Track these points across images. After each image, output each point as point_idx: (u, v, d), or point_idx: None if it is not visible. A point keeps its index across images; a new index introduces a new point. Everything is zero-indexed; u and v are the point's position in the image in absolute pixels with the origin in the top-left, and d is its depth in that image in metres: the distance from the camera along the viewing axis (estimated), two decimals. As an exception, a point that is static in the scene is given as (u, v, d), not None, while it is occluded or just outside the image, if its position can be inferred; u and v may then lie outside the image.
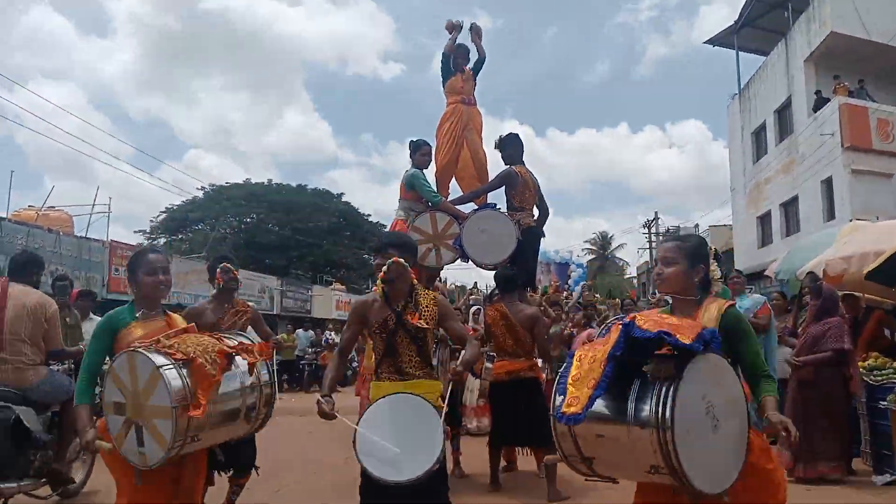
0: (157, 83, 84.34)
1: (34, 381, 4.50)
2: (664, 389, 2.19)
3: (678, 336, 2.23)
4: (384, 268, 3.25)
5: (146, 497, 3.02)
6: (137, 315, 3.27)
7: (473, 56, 7.37)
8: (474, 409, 8.59)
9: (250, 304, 4.98)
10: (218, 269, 4.68)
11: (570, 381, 2.35)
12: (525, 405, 5.45)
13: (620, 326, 2.33)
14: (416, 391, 3.15)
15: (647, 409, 2.20)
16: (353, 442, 2.99)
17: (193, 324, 3.44)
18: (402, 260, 3.27)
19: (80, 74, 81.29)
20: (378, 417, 3.07)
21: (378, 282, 3.34)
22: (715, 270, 2.79)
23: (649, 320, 2.37)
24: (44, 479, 4.64)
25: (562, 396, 2.34)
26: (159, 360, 2.84)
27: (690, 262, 2.71)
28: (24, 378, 4.45)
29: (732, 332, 2.60)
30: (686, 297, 2.72)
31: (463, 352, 3.43)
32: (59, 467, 4.75)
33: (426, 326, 3.29)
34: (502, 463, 6.45)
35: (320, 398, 3.16)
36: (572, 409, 2.26)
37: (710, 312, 2.64)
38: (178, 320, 3.41)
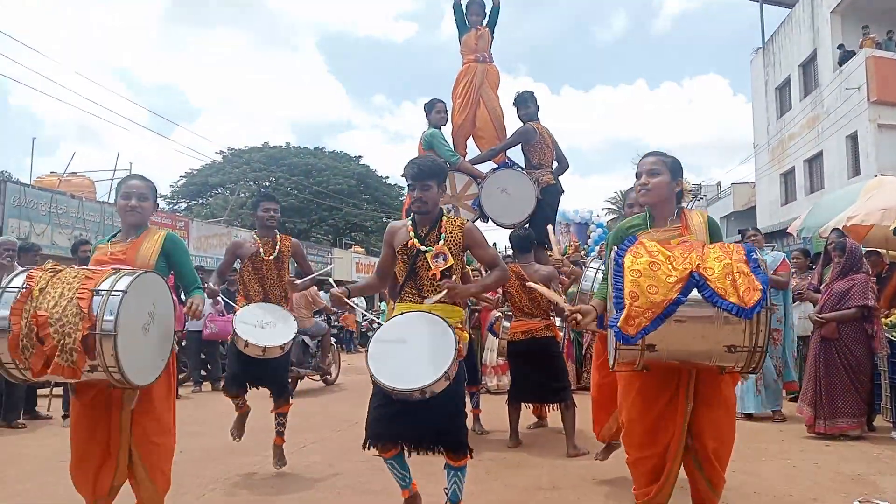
0: (169, 47, 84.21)
1: (307, 325, 9.53)
2: None
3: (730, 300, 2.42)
4: (421, 200, 3.29)
5: (80, 412, 3.02)
6: (112, 238, 3.29)
7: (489, 7, 7.15)
8: (494, 367, 8.69)
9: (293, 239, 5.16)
10: (259, 207, 4.93)
11: (627, 297, 2.46)
12: (541, 363, 5.51)
13: (689, 278, 2.45)
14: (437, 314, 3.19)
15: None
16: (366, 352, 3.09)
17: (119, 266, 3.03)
18: (439, 190, 3.33)
19: (91, 39, 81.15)
20: (394, 330, 3.16)
21: (412, 212, 3.38)
22: (686, 184, 2.93)
23: (715, 276, 2.46)
24: (317, 371, 10.07)
25: (619, 312, 2.46)
26: (13, 280, 2.74)
27: (672, 174, 2.88)
28: (304, 324, 9.02)
29: (716, 237, 2.90)
30: (666, 207, 2.87)
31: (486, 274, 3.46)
32: (324, 366, 10.19)
33: (449, 263, 3.29)
34: (533, 419, 6.56)
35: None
36: (638, 325, 2.42)
37: (695, 222, 2.86)
38: (146, 245, 3.17)
